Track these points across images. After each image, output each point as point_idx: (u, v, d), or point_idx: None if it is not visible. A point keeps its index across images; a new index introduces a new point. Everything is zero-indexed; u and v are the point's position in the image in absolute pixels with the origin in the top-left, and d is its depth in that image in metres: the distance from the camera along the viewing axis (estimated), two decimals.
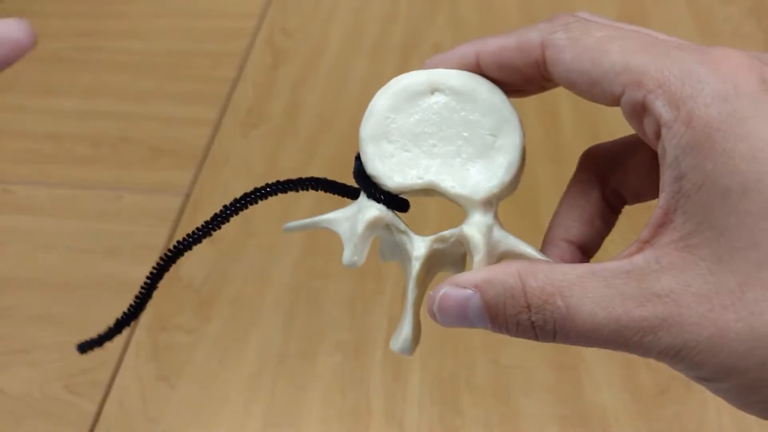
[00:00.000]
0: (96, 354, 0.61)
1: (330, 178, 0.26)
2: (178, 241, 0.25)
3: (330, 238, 0.64)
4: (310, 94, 0.77)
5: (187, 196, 0.68)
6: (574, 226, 0.26)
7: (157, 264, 0.25)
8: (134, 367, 0.56)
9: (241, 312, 0.59)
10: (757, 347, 0.19)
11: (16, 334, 0.59)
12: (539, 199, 0.63)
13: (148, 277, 0.25)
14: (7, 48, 0.21)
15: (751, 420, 0.50)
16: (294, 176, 0.26)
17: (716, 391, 0.21)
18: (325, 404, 0.53)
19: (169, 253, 0.25)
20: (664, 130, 0.20)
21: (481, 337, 0.55)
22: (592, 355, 0.54)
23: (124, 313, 0.25)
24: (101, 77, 0.82)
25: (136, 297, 0.25)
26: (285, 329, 0.57)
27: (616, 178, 0.26)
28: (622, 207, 0.27)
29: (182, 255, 0.25)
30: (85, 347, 0.25)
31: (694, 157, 0.20)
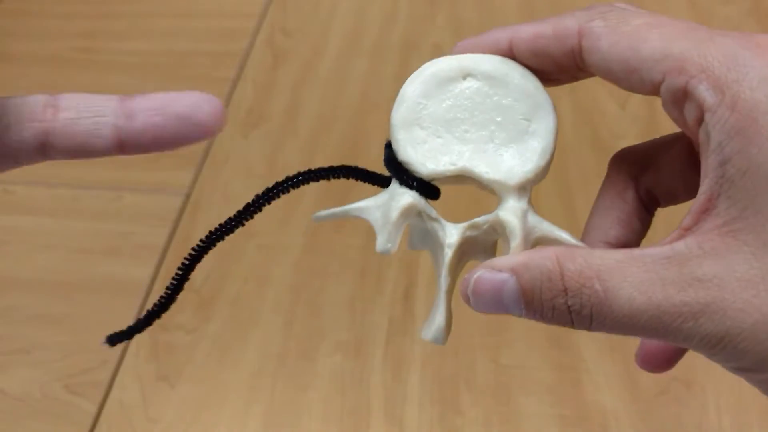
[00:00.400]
0: (96, 354, 0.61)
1: None
2: (211, 231, 0.24)
3: (330, 239, 0.64)
4: (310, 94, 0.77)
5: (187, 196, 0.68)
6: (613, 228, 0.25)
7: (190, 255, 0.25)
8: (134, 367, 0.56)
9: (241, 312, 0.59)
10: None
11: (16, 334, 0.59)
12: (540, 198, 0.63)
13: (179, 269, 0.25)
14: (189, 127, 0.19)
15: (751, 420, 0.50)
16: None
17: (758, 383, 0.21)
18: (325, 404, 0.53)
19: (202, 243, 0.25)
20: (707, 115, 0.20)
21: (481, 337, 0.55)
22: (592, 355, 0.54)
23: (155, 305, 0.25)
24: (101, 77, 0.82)
25: (167, 288, 0.25)
26: (285, 329, 0.57)
27: (649, 178, 0.26)
28: (656, 209, 0.26)
29: (214, 245, 0.25)
30: (114, 339, 0.24)
31: (738, 141, 0.19)
